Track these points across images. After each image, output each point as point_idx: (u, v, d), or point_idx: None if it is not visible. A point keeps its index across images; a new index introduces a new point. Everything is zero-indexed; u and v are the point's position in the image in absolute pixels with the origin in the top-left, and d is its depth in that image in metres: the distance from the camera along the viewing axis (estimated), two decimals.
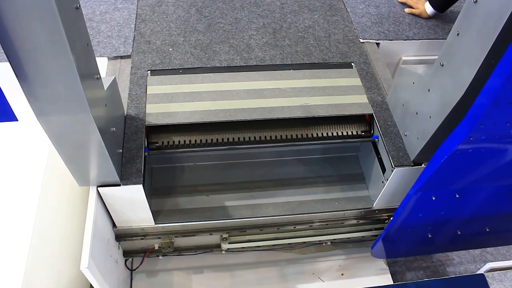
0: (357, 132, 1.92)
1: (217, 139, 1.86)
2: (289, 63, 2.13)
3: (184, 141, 1.85)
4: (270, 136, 1.88)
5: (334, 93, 2.03)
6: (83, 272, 1.49)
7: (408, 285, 1.61)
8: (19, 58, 1.09)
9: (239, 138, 1.87)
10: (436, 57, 1.55)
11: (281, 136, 1.90)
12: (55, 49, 1.09)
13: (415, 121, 1.73)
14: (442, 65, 1.50)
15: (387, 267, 2.37)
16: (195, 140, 1.85)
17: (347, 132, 1.92)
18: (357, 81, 2.09)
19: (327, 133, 1.93)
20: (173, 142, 1.84)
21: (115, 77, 1.66)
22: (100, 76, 1.43)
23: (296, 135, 1.91)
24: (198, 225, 1.94)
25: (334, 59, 2.18)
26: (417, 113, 1.71)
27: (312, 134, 1.92)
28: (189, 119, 1.87)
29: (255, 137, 1.88)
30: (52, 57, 1.11)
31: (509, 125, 1.35)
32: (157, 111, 1.88)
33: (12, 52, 1.08)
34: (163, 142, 1.82)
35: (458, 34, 1.40)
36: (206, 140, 1.86)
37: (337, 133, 1.93)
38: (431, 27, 2.44)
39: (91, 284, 1.63)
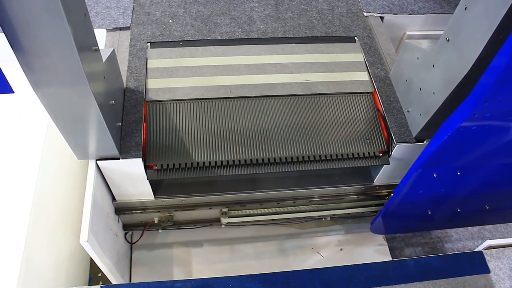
0: (374, 153, 1.85)
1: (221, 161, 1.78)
2: (291, 36, 2.10)
3: (186, 163, 1.75)
4: (280, 158, 1.80)
5: (336, 69, 2.00)
6: (83, 246, 1.49)
7: (407, 261, 1.62)
8: (14, 27, 1.06)
9: (240, 161, 1.79)
10: (441, 32, 1.52)
11: (292, 157, 1.81)
12: (51, 19, 1.06)
13: (419, 97, 1.70)
14: (448, 40, 1.47)
15: (386, 243, 2.38)
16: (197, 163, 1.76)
17: (364, 153, 1.84)
18: (359, 57, 2.05)
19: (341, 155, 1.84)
20: (173, 165, 1.74)
21: (113, 49, 1.63)
22: (98, 48, 1.40)
23: (303, 157, 1.82)
24: (198, 199, 1.94)
25: (337, 33, 2.14)
26: (420, 89, 1.68)
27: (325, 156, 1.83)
28: (190, 95, 1.85)
29: (263, 159, 1.80)
30: (48, 26, 1.08)
31: None
32: (158, 87, 1.86)
33: (6, 21, 1.05)
34: (162, 165, 1.74)
35: (466, 8, 1.36)
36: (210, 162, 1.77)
37: (352, 154, 1.84)
38: (437, 1, 2.38)
39: (91, 257, 1.64)
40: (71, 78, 1.23)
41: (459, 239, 2.51)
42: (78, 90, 1.28)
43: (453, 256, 1.64)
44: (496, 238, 2.26)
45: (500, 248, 1.68)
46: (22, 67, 1.17)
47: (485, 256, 1.64)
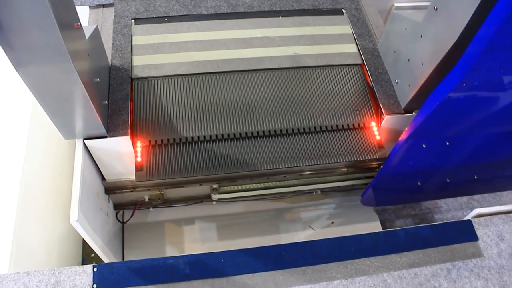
0: (364, 124, 1.88)
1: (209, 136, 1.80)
2: (278, 9, 2.06)
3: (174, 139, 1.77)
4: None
5: (324, 41, 1.98)
6: (73, 225, 1.48)
7: (397, 231, 1.63)
8: None
9: (229, 135, 1.81)
10: (429, 3, 1.50)
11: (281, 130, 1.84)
12: None
13: (407, 68, 1.70)
14: (436, 9, 1.45)
15: (377, 215, 2.40)
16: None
17: (353, 124, 1.87)
18: (347, 29, 2.03)
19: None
20: (161, 140, 1.77)
21: (97, 26, 1.60)
22: (80, 24, 1.36)
23: (292, 130, 1.84)
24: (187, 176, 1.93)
25: (324, 5, 2.11)
26: (409, 60, 1.67)
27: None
28: (176, 71, 1.82)
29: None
30: (26, 2, 1.04)
31: (502, 70, 1.32)
32: (143, 63, 1.83)
33: None
34: (150, 142, 1.75)
35: None
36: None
37: (342, 125, 1.87)
38: None
39: (83, 237, 1.63)
40: (54, 56, 1.21)
41: (449, 210, 2.54)
42: (61, 68, 1.25)
43: (442, 225, 1.66)
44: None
45: (488, 216, 1.70)
46: (2, 46, 1.14)
47: (474, 224, 1.66)
